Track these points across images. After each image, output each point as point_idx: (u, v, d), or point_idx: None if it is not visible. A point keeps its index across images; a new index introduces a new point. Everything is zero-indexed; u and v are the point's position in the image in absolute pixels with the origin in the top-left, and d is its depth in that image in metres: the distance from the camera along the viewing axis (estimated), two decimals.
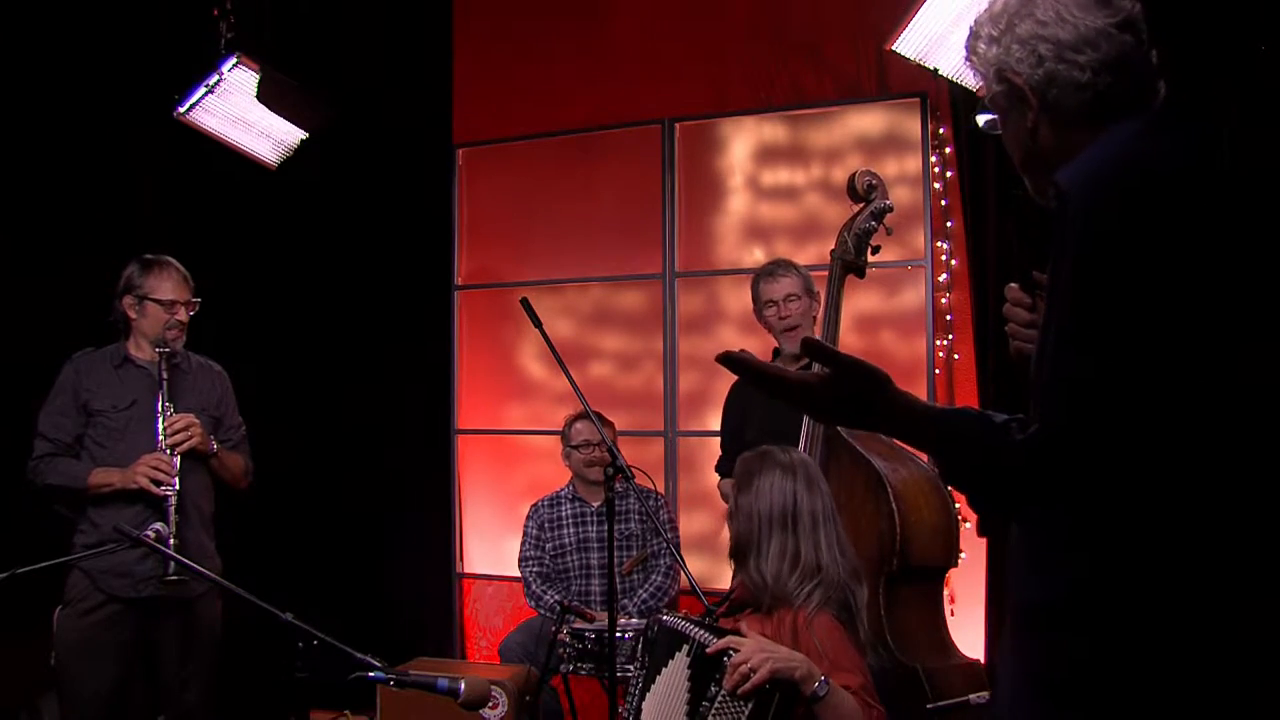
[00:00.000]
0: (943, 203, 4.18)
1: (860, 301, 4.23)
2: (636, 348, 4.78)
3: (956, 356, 4.13)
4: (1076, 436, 1.23)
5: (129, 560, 3.10)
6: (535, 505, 4.24)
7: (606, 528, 3.01)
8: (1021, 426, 1.28)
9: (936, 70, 3.54)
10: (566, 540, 4.14)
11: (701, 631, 2.29)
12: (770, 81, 4.51)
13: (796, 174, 4.52)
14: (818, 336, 3.34)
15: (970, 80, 1.60)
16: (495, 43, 5.00)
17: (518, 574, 4.18)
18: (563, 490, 4.22)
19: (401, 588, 5.01)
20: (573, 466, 4.17)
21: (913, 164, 4.25)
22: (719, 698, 2.17)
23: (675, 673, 2.31)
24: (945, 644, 3.16)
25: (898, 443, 3.14)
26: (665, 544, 3.84)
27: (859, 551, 2.50)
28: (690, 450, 4.62)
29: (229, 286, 3.94)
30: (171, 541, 3.01)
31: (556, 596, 3.98)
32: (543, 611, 4.01)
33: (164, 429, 3.15)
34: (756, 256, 4.46)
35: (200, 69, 4.20)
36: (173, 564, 2.95)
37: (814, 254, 4.15)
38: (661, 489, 4.32)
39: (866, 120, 4.39)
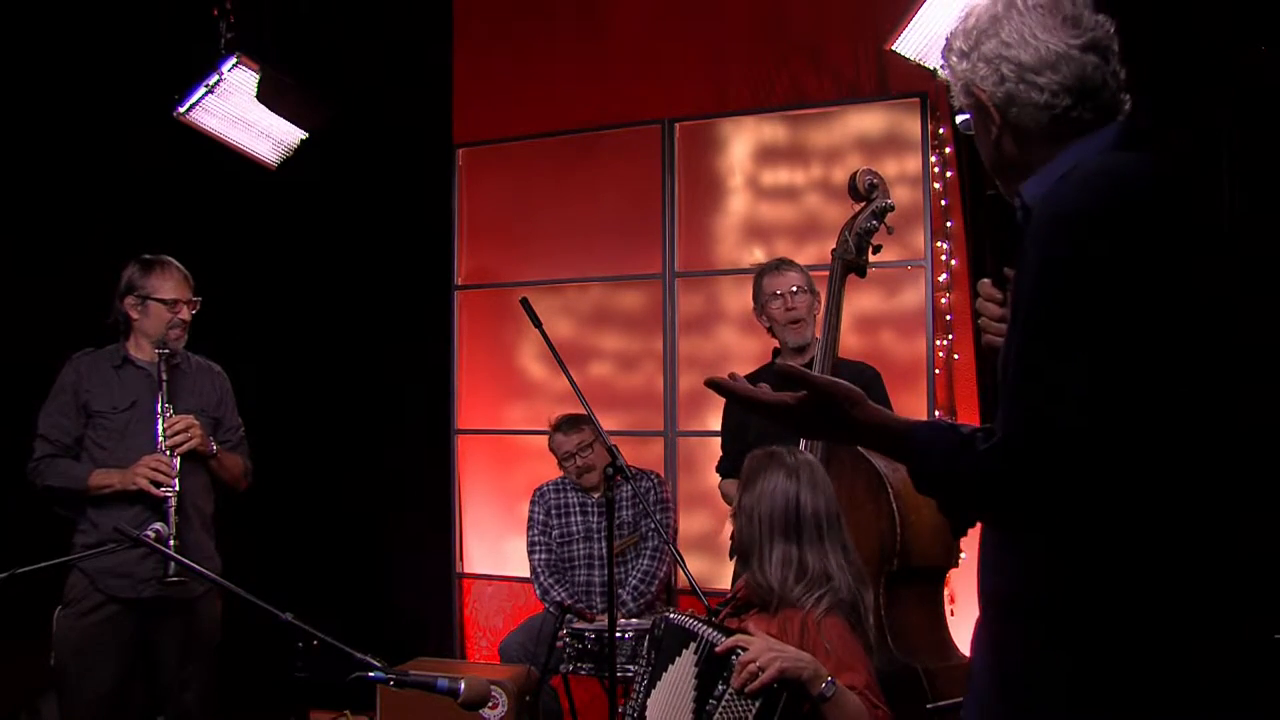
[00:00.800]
0: (943, 203, 4.18)
1: (860, 301, 4.22)
2: (636, 348, 4.78)
3: (956, 356, 4.13)
4: (1032, 451, 1.26)
5: (129, 561, 3.10)
6: (540, 489, 4.23)
7: (606, 522, 3.02)
8: (986, 437, 1.32)
9: (936, 70, 3.54)
10: (574, 528, 4.13)
11: (710, 630, 2.30)
12: (770, 81, 4.51)
13: (796, 174, 4.52)
14: (818, 336, 3.36)
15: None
16: (495, 43, 5.00)
17: (518, 574, 4.19)
18: (565, 477, 4.23)
19: (401, 588, 5.01)
20: (568, 476, 4.18)
21: (913, 164, 4.25)
22: (726, 696, 2.18)
23: (682, 670, 2.32)
24: (945, 644, 3.16)
25: None
26: (655, 526, 3.83)
27: (859, 551, 2.51)
28: (690, 450, 4.62)
29: (229, 286, 3.93)
30: (171, 542, 3.01)
31: (561, 595, 3.98)
32: (547, 605, 4.02)
33: (164, 430, 3.15)
34: (756, 256, 4.46)
35: (200, 69, 4.20)
36: (173, 564, 2.95)
37: (814, 254, 4.15)
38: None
39: (866, 120, 4.39)
